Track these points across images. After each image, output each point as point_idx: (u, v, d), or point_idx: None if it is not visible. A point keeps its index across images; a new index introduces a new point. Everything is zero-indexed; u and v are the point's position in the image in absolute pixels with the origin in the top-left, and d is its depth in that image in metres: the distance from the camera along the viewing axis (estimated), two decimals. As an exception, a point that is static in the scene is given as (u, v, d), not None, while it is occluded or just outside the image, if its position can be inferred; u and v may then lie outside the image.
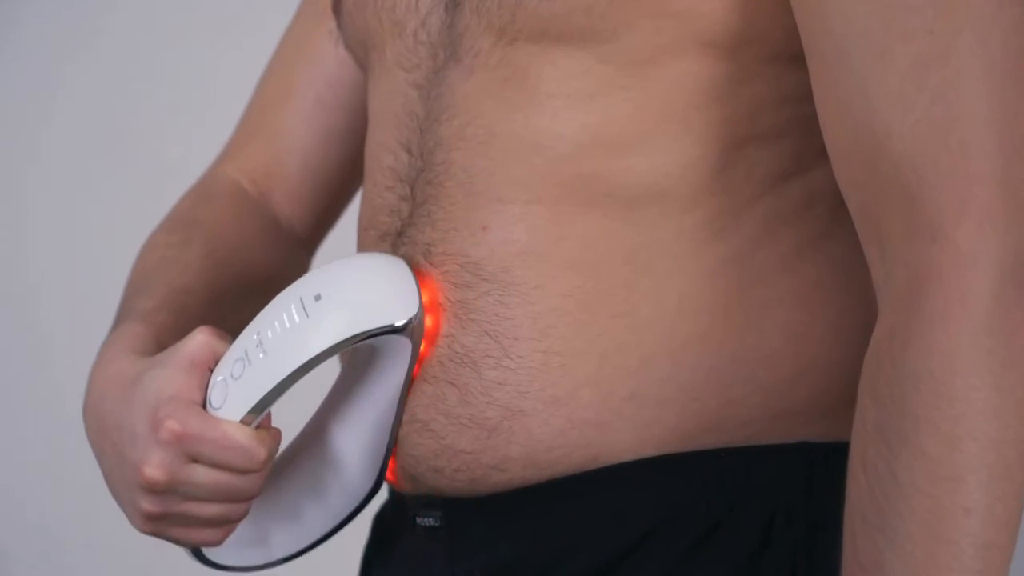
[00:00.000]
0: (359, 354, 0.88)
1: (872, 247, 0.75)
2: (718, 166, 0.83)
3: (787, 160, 0.84)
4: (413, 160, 0.88)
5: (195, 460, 0.83)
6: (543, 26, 0.82)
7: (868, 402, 0.73)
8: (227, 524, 0.87)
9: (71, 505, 1.81)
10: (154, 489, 0.84)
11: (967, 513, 0.69)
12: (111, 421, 0.87)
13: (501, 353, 0.84)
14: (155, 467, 0.83)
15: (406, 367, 0.86)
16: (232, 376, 0.84)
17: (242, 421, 0.83)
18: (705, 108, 0.82)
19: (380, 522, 0.99)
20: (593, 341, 0.83)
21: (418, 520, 0.91)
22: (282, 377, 0.83)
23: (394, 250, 0.88)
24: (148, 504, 0.85)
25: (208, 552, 0.90)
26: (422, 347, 0.86)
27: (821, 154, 0.79)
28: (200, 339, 0.85)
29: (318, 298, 0.84)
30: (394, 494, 0.96)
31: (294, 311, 0.83)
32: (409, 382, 0.87)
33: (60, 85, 1.83)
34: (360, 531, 0.97)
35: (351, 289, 0.84)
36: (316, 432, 0.91)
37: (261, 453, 0.83)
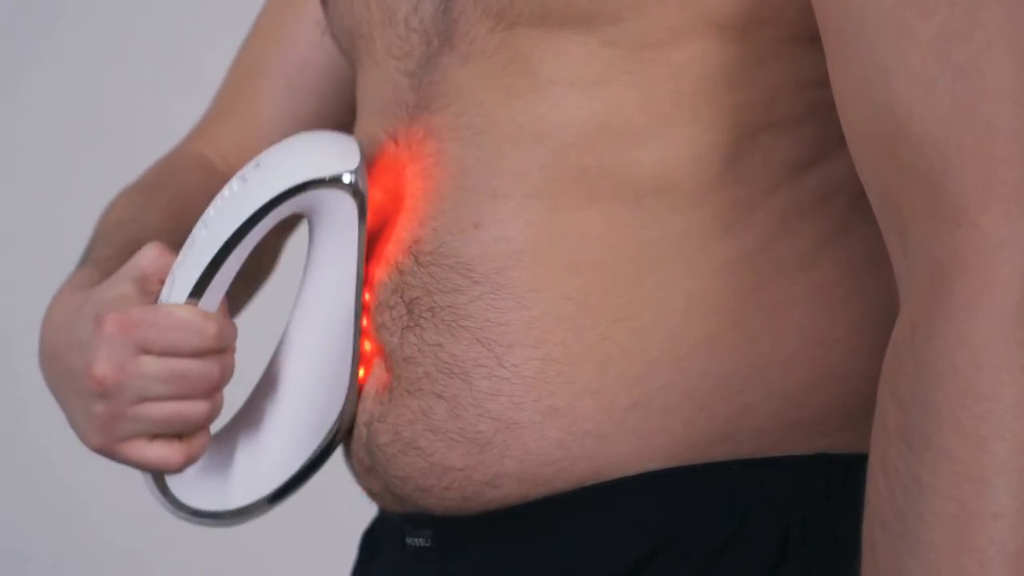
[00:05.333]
0: (312, 248, 0.88)
1: (893, 236, 0.74)
2: (731, 156, 0.82)
3: (805, 149, 0.83)
4: (400, 151, 0.87)
5: (145, 351, 0.83)
6: (544, 9, 0.82)
7: (888, 401, 0.71)
8: (186, 439, 0.85)
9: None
10: (105, 388, 0.83)
11: (995, 518, 0.68)
12: (60, 344, 0.88)
13: (494, 362, 0.83)
14: (102, 363, 0.83)
15: (355, 242, 0.85)
16: (178, 265, 0.84)
17: (186, 303, 0.84)
18: (717, 94, 0.81)
19: (368, 541, 0.98)
20: (594, 347, 0.82)
21: (408, 540, 0.90)
22: (219, 246, 0.83)
23: (377, 249, 0.87)
24: (101, 408, 0.84)
25: (172, 486, 0.88)
26: (372, 226, 0.85)
27: (841, 142, 0.78)
28: (150, 252, 0.86)
29: (257, 166, 0.85)
30: (381, 512, 0.95)
31: (234, 184, 0.85)
32: (363, 263, 0.86)
33: (24, 67, 1.84)
34: (347, 550, 0.96)
35: (290, 152, 0.85)
36: (280, 352, 0.90)
37: (209, 327, 0.83)
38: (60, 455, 1.72)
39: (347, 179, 0.85)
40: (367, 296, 0.88)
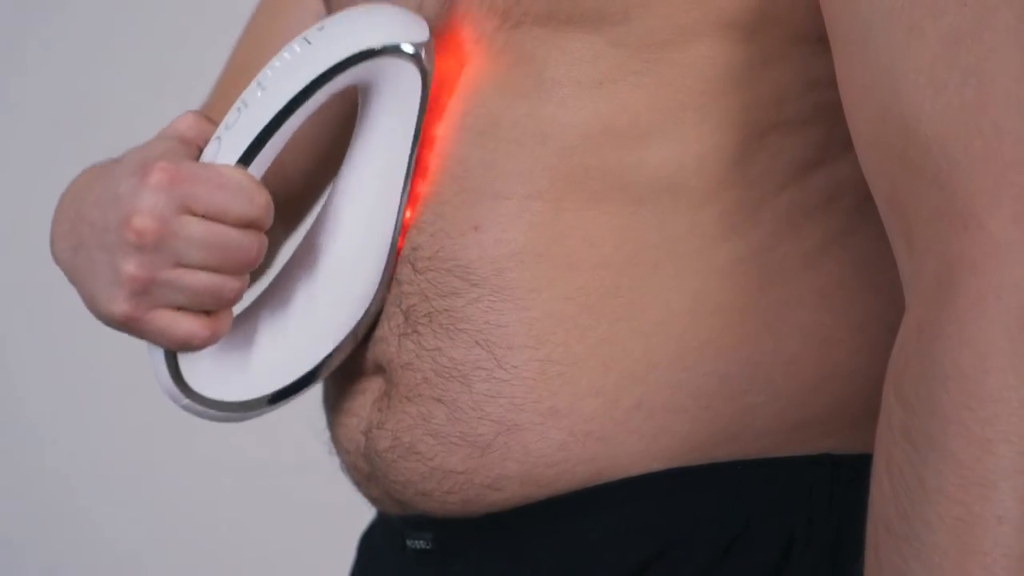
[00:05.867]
0: (365, 129, 0.85)
1: (899, 238, 0.73)
2: (737, 157, 0.82)
3: (812, 149, 0.83)
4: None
5: (190, 211, 0.79)
6: (550, 8, 0.81)
7: (894, 401, 0.71)
8: (214, 314, 0.82)
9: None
10: (144, 243, 0.79)
11: (1000, 522, 0.67)
12: (89, 204, 0.83)
13: (493, 364, 0.82)
14: (146, 215, 0.79)
15: (414, 113, 0.83)
16: (226, 127, 0.81)
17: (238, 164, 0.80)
18: (724, 94, 0.81)
19: (366, 543, 0.97)
20: (596, 347, 0.82)
21: (408, 542, 0.90)
22: (277, 109, 0.80)
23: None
24: (134, 267, 0.79)
25: (187, 373, 0.84)
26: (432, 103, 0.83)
27: (847, 143, 0.78)
28: (188, 118, 0.84)
29: (321, 28, 0.82)
30: (381, 514, 0.94)
31: (295, 45, 0.81)
32: (416, 150, 0.83)
33: (18, 67, 1.84)
34: (346, 551, 0.96)
35: (356, 17, 0.83)
36: (315, 235, 0.87)
37: (260, 195, 0.80)
38: (58, 453, 1.73)
39: (417, 51, 0.82)
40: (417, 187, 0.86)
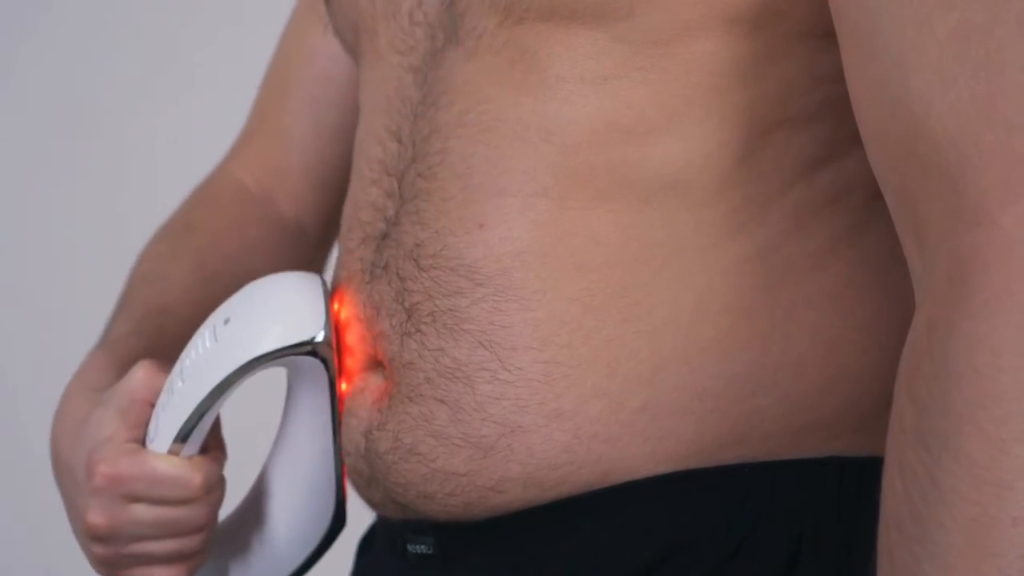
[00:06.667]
0: (290, 388, 0.92)
1: (910, 236, 0.72)
2: (743, 153, 0.81)
3: (819, 146, 0.82)
4: (403, 149, 0.86)
5: (135, 500, 0.87)
6: (553, 4, 0.81)
7: (906, 401, 0.70)
8: (187, 560, 0.90)
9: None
10: (99, 535, 0.88)
11: (1015, 523, 0.67)
12: (63, 464, 0.92)
13: (498, 365, 0.82)
14: (95, 514, 0.88)
15: (326, 394, 0.89)
16: (161, 408, 0.89)
17: (170, 451, 0.87)
18: (730, 91, 0.80)
19: (366, 547, 0.96)
20: (601, 348, 0.81)
21: (409, 547, 0.89)
22: (195, 404, 0.87)
23: (377, 256, 0.86)
24: (100, 550, 0.89)
25: None
26: (339, 368, 0.89)
27: (856, 139, 0.77)
28: (138, 376, 0.90)
29: (227, 322, 0.88)
30: (381, 519, 0.93)
31: (207, 337, 0.88)
32: (337, 410, 0.89)
33: (11, 67, 1.83)
34: (343, 557, 0.95)
35: (255, 311, 0.89)
36: (265, 477, 0.94)
37: (194, 479, 0.87)
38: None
39: (312, 344, 0.87)
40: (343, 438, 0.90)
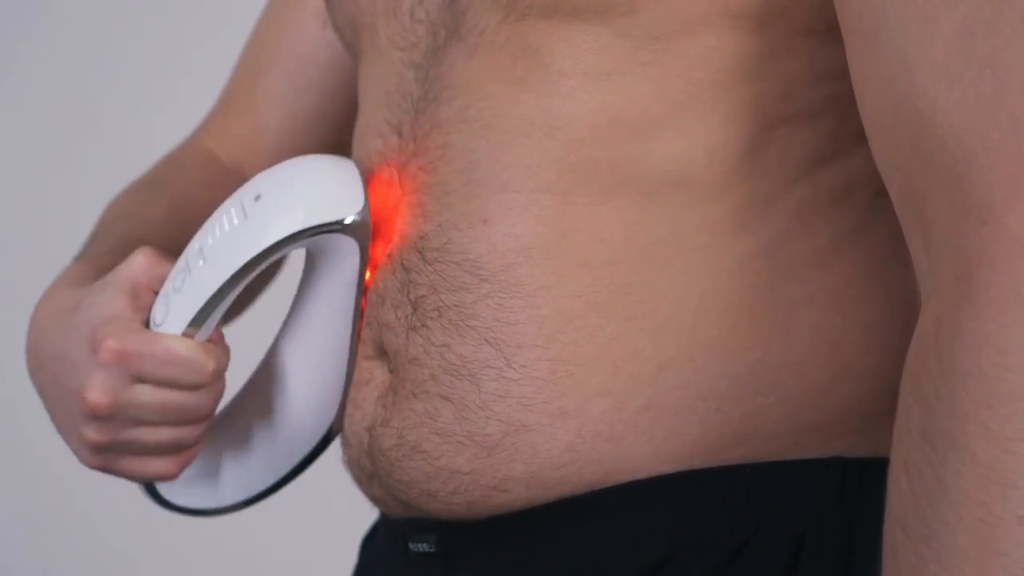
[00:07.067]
0: (310, 272, 0.88)
1: (915, 234, 0.72)
2: (747, 150, 0.81)
3: (823, 143, 0.82)
4: (404, 143, 0.86)
5: (140, 380, 0.83)
6: (555, 0, 0.80)
7: (912, 401, 0.70)
8: (181, 452, 0.86)
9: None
10: (98, 415, 0.83)
11: (1021, 522, 0.66)
12: (49, 353, 0.87)
13: (503, 363, 0.81)
14: (97, 391, 0.83)
15: (355, 278, 0.85)
16: (174, 289, 0.84)
17: (184, 334, 0.83)
18: (733, 86, 0.80)
19: (368, 546, 0.96)
20: (605, 347, 0.81)
21: (411, 545, 0.88)
22: (220, 283, 0.82)
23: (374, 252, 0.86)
24: (93, 433, 0.84)
25: (162, 489, 0.90)
26: (372, 255, 0.85)
27: (860, 137, 0.77)
28: (140, 260, 0.85)
29: (258, 198, 0.84)
30: (383, 516, 0.93)
31: (234, 214, 0.84)
32: (361, 298, 0.86)
33: (8, 67, 1.83)
34: (347, 554, 0.94)
35: (291, 188, 0.84)
36: (271, 363, 0.90)
37: (208, 364, 0.83)
38: (53, 453, 1.71)
39: (352, 223, 0.84)
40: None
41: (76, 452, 0.87)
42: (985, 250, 0.68)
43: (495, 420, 0.82)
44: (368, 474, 0.87)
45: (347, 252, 0.85)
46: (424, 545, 0.87)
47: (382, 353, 0.87)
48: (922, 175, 0.71)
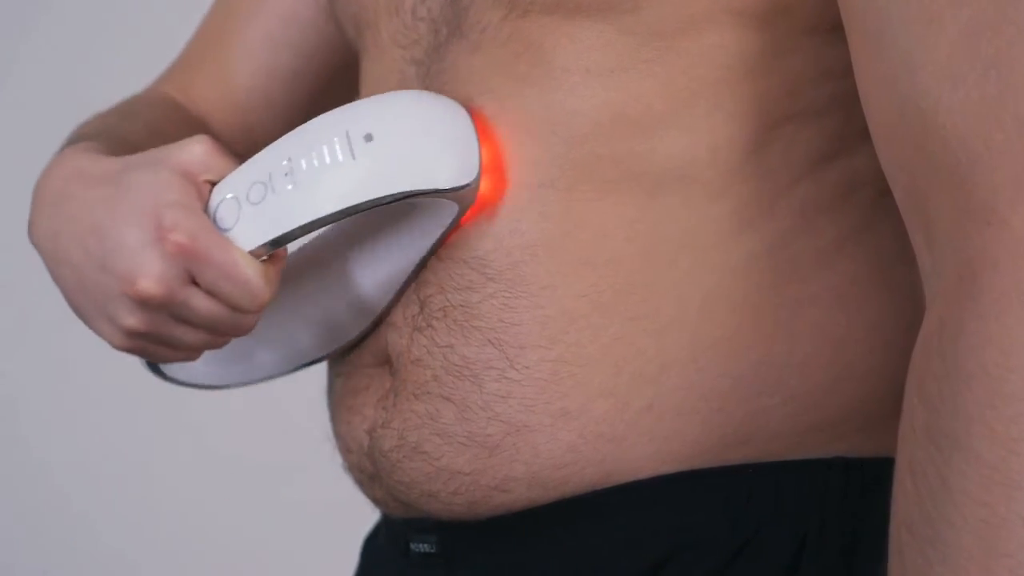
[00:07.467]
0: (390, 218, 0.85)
1: (919, 234, 0.72)
2: (751, 148, 0.81)
3: (827, 141, 0.82)
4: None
5: (195, 283, 0.79)
6: None
7: (916, 401, 0.70)
8: (203, 350, 0.85)
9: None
10: (148, 304, 0.80)
11: None
12: (87, 223, 0.82)
13: (505, 364, 0.81)
14: (154, 280, 0.78)
15: (442, 230, 0.82)
16: (248, 199, 0.79)
17: (253, 252, 0.79)
18: (737, 84, 0.80)
19: (369, 547, 0.96)
20: (608, 347, 0.81)
21: (412, 546, 0.88)
22: (313, 218, 0.78)
23: None
24: (134, 320, 0.81)
25: (169, 368, 0.89)
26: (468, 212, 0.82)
27: (864, 135, 0.77)
28: (198, 149, 0.81)
29: (368, 139, 0.79)
30: (384, 517, 0.93)
31: (338, 147, 0.79)
32: (444, 239, 0.83)
33: (8, 66, 1.82)
34: (349, 554, 0.94)
35: (407, 138, 0.80)
36: (323, 254, 0.87)
37: (264, 295, 0.80)
38: (51, 453, 1.71)
39: (468, 189, 0.81)
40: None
41: (101, 331, 0.83)
42: (988, 251, 0.68)
43: (497, 421, 0.81)
44: (369, 476, 0.87)
45: (443, 211, 0.82)
46: (425, 545, 0.87)
47: (382, 361, 0.87)
48: (926, 175, 0.71)
